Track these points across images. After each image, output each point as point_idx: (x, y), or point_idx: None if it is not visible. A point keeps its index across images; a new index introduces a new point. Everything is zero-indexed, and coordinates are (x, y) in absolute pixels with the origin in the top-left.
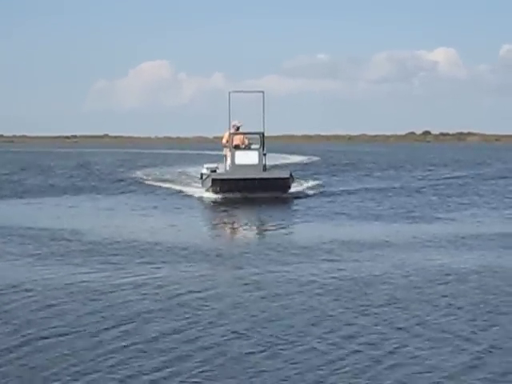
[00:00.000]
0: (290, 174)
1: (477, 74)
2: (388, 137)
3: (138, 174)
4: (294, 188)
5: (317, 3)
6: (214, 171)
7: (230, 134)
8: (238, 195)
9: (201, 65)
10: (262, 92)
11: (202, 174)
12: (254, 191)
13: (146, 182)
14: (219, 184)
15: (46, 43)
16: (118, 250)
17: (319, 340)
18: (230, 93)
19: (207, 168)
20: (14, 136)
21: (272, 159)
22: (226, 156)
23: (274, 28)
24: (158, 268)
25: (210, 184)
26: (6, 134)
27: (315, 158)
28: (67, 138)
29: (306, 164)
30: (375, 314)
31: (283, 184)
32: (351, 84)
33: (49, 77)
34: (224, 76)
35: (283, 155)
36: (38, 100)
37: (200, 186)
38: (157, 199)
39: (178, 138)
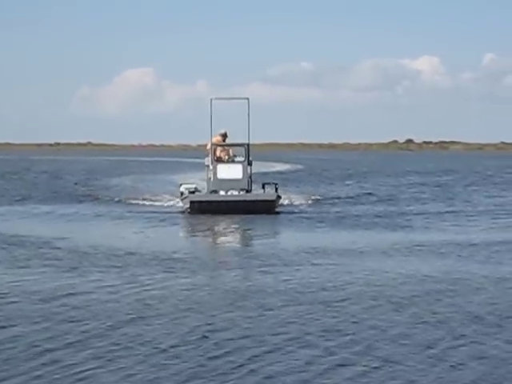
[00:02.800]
0: (277, 195)
1: (460, 82)
2: (371, 145)
3: (120, 182)
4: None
5: (300, 11)
6: (193, 192)
7: (212, 144)
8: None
9: (185, 72)
10: (247, 99)
11: (181, 193)
12: (236, 213)
13: (127, 199)
14: (198, 206)
15: (28, 49)
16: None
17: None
18: (211, 99)
19: (185, 188)
20: None
21: (255, 167)
22: (207, 167)
23: (258, 35)
24: (119, 275)
25: (188, 205)
26: None
27: (299, 166)
28: (51, 145)
29: (289, 172)
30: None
31: (268, 206)
32: (335, 92)
33: (31, 84)
34: (208, 83)
35: (266, 163)
36: (21, 107)
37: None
38: (133, 211)
39: (162, 145)
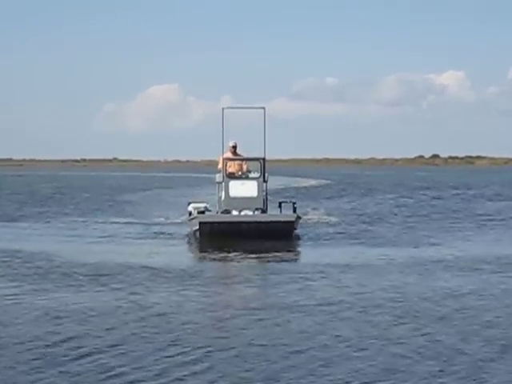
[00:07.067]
0: (297, 216)
1: (486, 97)
2: (396, 160)
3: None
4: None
5: (325, 26)
6: (202, 212)
7: (224, 159)
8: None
9: (209, 88)
10: (263, 108)
11: (189, 212)
12: (250, 236)
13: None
14: (208, 228)
15: (54, 65)
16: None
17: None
18: (223, 109)
19: (194, 208)
20: (24, 160)
21: (281, 182)
22: (218, 184)
23: (283, 51)
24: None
25: (197, 227)
26: (15, 158)
27: (326, 182)
28: (76, 161)
29: (314, 188)
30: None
31: (287, 228)
32: (360, 107)
33: (57, 100)
34: (232, 99)
35: (292, 178)
36: (46, 124)
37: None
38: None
39: (187, 161)
